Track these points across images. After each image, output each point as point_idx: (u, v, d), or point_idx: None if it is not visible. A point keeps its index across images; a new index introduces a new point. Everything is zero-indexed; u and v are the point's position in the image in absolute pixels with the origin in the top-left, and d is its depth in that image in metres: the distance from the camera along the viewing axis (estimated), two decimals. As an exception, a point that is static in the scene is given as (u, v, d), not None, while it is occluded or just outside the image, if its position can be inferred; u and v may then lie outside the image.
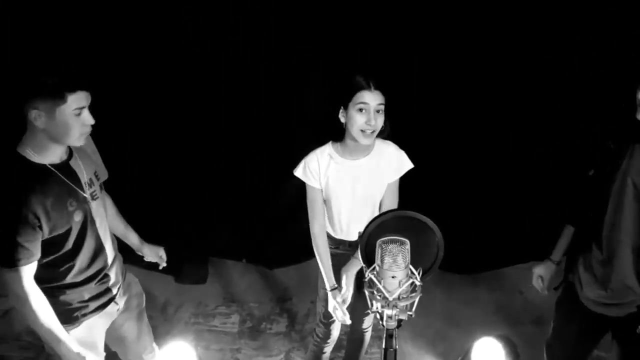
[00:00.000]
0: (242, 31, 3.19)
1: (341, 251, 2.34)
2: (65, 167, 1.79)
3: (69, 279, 1.84)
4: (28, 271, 1.70)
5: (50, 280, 1.81)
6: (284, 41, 3.19)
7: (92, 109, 1.77)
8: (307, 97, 3.27)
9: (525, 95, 3.22)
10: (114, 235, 2.12)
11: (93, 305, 1.94)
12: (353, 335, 2.65)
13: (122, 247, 2.20)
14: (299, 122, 3.36)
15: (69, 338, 1.80)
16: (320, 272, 2.33)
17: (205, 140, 3.50)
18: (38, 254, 1.71)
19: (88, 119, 1.71)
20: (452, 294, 3.55)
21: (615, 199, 1.82)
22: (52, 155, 1.75)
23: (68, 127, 1.68)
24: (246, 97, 3.37)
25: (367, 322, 2.55)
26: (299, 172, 2.22)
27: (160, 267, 2.38)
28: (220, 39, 3.21)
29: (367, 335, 2.63)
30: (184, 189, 3.62)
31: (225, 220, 3.71)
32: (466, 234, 3.53)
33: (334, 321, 2.46)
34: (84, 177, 1.85)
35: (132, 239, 2.30)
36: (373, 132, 2.04)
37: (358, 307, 2.47)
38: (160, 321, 3.30)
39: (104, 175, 2.16)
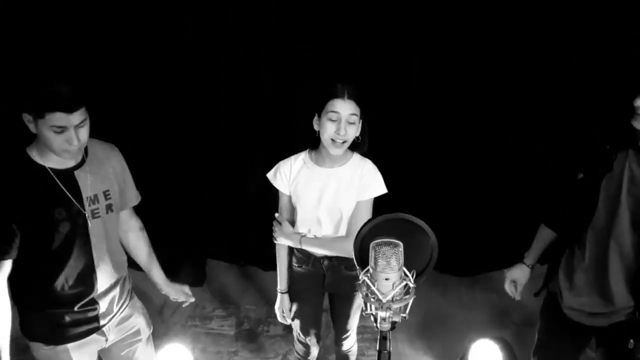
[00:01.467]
0: (242, 31, 3.19)
1: (304, 270, 2.31)
2: (67, 175, 1.77)
3: (50, 292, 1.78)
4: None
5: (32, 289, 1.77)
6: (283, 42, 3.20)
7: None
8: (309, 94, 3.28)
9: (521, 96, 3.22)
10: (122, 265, 2.02)
11: (73, 330, 1.86)
12: (338, 356, 2.63)
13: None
14: (297, 123, 3.36)
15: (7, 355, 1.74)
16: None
17: (203, 142, 3.50)
18: (12, 254, 1.68)
19: (70, 139, 1.64)
20: (448, 295, 3.55)
21: (608, 205, 1.78)
22: (53, 160, 1.74)
23: (49, 141, 1.65)
24: (245, 99, 3.37)
25: (348, 344, 2.53)
26: (270, 175, 2.24)
27: (185, 305, 2.33)
28: (219, 39, 3.21)
29: (352, 356, 2.60)
30: (181, 191, 3.61)
31: (222, 222, 3.71)
32: (463, 235, 3.53)
33: (310, 339, 2.47)
34: (87, 191, 1.80)
35: (156, 276, 2.23)
36: (344, 142, 2.01)
37: (338, 328, 2.48)
38: (157, 324, 3.28)
39: (132, 199, 2.08)
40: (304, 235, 2.21)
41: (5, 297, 1.71)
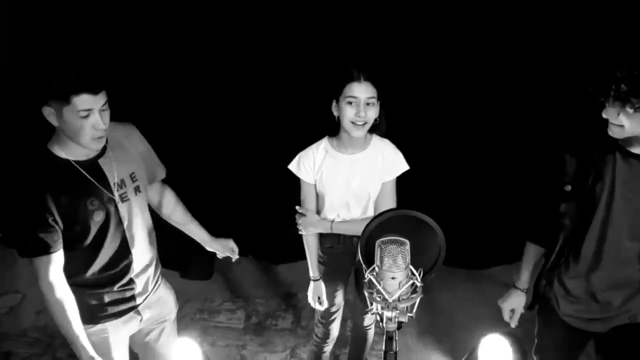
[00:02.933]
0: (242, 31, 3.18)
1: (335, 250, 2.34)
2: (92, 165, 1.78)
3: (89, 277, 1.83)
4: (47, 263, 1.70)
5: (70, 275, 1.80)
6: (283, 40, 3.18)
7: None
8: (308, 93, 3.26)
9: (524, 92, 3.19)
10: (154, 242, 2.06)
11: (112, 309, 1.92)
12: (356, 333, 2.65)
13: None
14: (302, 117, 3.34)
15: (86, 339, 1.78)
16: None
17: (211, 136, 3.49)
18: (56, 247, 1.71)
19: (97, 122, 1.66)
20: (457, 289, 3.53)
21: (601, 214, 1.72)
22: (76, 152, 1.75)
23: (76, 129, 1.66)
24: (249, 95, 3.37)
25: (369, 320, 2.54)
26: (293, 166, 2.25)
27: (234, 260, 2.32)
28: (220, 39, 3.20)
29: (370, 333, 2.61)
30: (188, 184, 3.61)
31: (230, 215, 3.70)
32: (472, 229, 3.51)
33: (333, 320, 2.46)
34: (113, 178, 1.82)
35: (199, 233, 2.25)
36: (364, 124, 2.03)
37: (358, 305, 2.46)
38: (166, 317, 3.30)
39: (161, 173, 2.13)
40: (333, 221, 2.24)
41: (66, 287, 1.76)
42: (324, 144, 2.20)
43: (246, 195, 3.64)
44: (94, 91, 1.63)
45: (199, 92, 3.32)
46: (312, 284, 2.42)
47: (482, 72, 3.18)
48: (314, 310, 3.32)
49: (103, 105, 1.68)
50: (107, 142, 1.83)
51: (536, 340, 2.15)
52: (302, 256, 3.80)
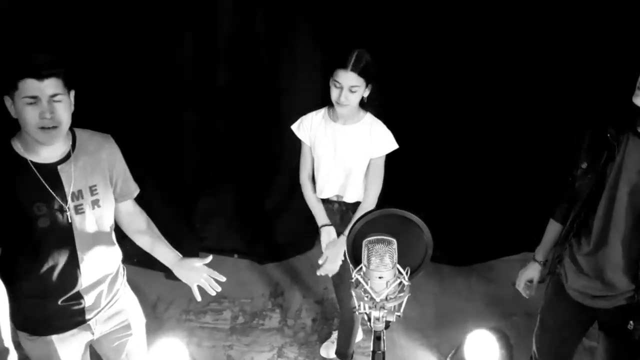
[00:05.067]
0: (236, 24, 3.17)
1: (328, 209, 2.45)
2: (49, 169, 1.71)
3: (32, 283, 1.76)
4: None
5: (11, 278, 1.71)
6: (279, 35, 3.18)
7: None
8: (295, 95, 3.27)
9: (516, 84, 3.20)
10: (112, 261, 1.94)
11: (56, 323, 1.82)
12: (343, 317, 2.64)
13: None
14: (289, 121, 3.34)
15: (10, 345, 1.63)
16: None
17: (195, 135, 3.46)
18: None
19: (43, 111, 1.59)
20: (445, 286, 3.54)
21: (608, 192, 1.79)
22: (36, 153, 1.69)
23: (23, 117, 1.60)
24: (236, 96, 3.35)
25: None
26: (295, 126, 2.42)
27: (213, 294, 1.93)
28: (212, 30, 3.18)
29: (358, 316, 2.60)
30: (174, 185, 3.59)
31: (215, 216, 3.68)
32: (459, 225, 3.52)
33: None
34: (70, 187, 1.74)
35: (165, 254, 1.97)
36: (347, 104, 2.18)
37: (346, 283, 2.44)
38: (151, 319, 3.25)
39: (130, 192, 1.96)
40: (334, 202, 2.41)
41: None
42: (323, 111, 2.37)
43: (231, 194, 3.62)
44: (38, 76, 1.57)
45: (189, 88, 3.30)
46: (323, 230, 2.40)
47: (470, 62, 3.18)
48: (300, 309, 3.34)
49: (55, 96, 1.61)
50: (74, 149, 1.77)
51: (539, 318, 2.19)
52: (286, 255, 3.83)
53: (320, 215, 2.44)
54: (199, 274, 1.90)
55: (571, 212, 1.95)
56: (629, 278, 1.82)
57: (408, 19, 3.15)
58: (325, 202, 2.46)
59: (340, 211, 2.45)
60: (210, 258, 1.92)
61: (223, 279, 1.91)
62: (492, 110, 3.28)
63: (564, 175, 2.01)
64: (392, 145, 2.31)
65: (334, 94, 2.18)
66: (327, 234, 2.40)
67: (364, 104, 2.28)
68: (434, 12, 3.12)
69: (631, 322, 1.82)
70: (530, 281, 2.17)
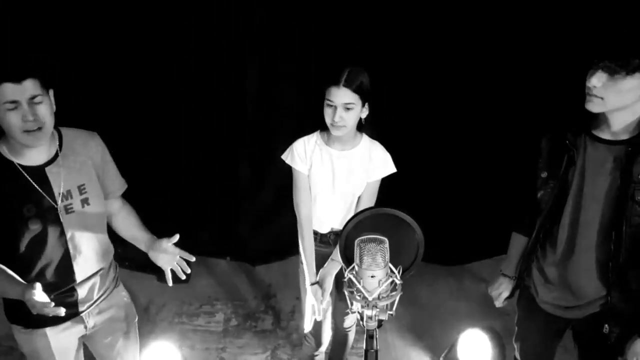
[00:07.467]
0: (234, 27, 3.16)
1: (315, 247, 2.29)
2: (37, 171, 1.72)
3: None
4: None
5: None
6: (273, 37, 3.17)
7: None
8: (290, 97, 3.27)
9: (508, 84, 3.22)
10: (105, 256, 1.95)
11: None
12: (337, 334, 2.63)
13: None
14: (281, 121, 3.34)
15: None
16: (302, 267, 2.30)
17: (187, 138, 3.45)
18: None
19: (25, 114, 1.59)
20: (437, 285, 3.55)
21: (573, 199, 1.75)
22: (23, 156, 1.70)
23: (6, 123, 1.60)
24: (229, 98, 3.34)
25: (349, 321, 2.52)
26: (286, 156, 2.21)
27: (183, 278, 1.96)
28: (209, 35, 3.17)
29: (351, 335, 2.61)
30: (165, 187, 3.57)
31: (207, 218, 3.67)
32: (452, 225, 3.53)
33: (322, 327, 2.44)
34: (59, 187, 1.75)
35: (142, 246, 1.98)
36: (343, 126, 2.03)
37: (339, 306, 2.45)
38: (144, 322, 3.24)
39: (116, 189, 1.98)
40: (327, 234, 2.27)
41: None
42: (315, 136, 2.19)
43: (223, 196, 3.61)
44: (15, 79, 1.56)
45: (183, 92, 3.28)
46: (309, 290, 2.27)
47: (458, 66, 3.19)
48: (293, 311, 3.34)
49: (34, 98, 1.60)
50: (60, 149, 1.78)
51: (516, 328, 2.17)
52: (279, 257, 3.82)
53: (311, 272, 2.26)
54: (171, 256, 1.90)
55: (535, 223, 1.90)
56: (601, 282, 1.78)
57: (399, 28, 3.15)
58: (322, 236, 2.29)
59: (335, 242, 2.28)
60: (177, 237, 1.87)
61: (193, 258, 1.91)
62: (484, 109, 3.29)
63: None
64: (391, 168, 2.19)
65: (328, 114, 2.03)
66: (314, 293, 2.24)
67: (360, 126, 2.14)
68: (421, 23, 3.13)
69: (606, 325, 1.79)
70: (500, 295, 2.13)
